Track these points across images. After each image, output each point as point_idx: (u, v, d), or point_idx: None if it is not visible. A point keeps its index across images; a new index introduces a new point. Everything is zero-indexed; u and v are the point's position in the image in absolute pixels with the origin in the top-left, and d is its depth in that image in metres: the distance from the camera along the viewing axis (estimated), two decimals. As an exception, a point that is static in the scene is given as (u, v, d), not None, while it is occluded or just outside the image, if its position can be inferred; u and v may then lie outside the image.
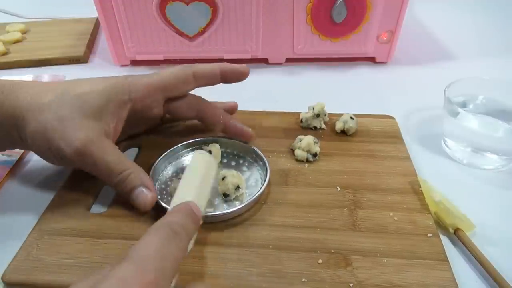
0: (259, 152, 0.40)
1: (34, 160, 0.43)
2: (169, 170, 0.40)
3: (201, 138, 0.42)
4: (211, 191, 0.33)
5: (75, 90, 0.34)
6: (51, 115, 0.33)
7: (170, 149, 0.40)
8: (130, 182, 0.33)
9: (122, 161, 0.34)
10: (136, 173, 0.33)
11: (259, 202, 0.36)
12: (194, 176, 0.32)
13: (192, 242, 0.27)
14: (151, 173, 0.37)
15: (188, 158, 0.41)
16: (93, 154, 0.33)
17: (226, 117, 0.40)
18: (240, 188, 0.36)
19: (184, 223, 0.26)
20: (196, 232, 0.28)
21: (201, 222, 0.29)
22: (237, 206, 0.34)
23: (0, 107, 0.33)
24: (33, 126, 0.33)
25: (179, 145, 0.41)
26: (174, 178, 0.37)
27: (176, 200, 0.30)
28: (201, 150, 0.37)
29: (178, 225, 0.25)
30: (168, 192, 0.37)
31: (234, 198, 0.36)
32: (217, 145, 0.41)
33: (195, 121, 0.42)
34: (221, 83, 0.40)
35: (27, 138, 0.33)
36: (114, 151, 0.34)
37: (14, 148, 0.37)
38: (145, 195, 0.33)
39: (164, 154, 0.40)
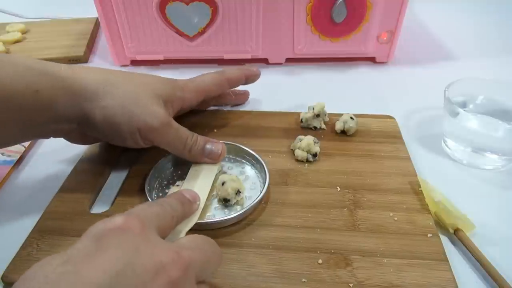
0: (256, 155, 0.40)
1: (34, 160, 0.43)
2: (170, 173, 0.40)
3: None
4: (212, 188, 0.36)
5: (139, 77, 0.38)
6: (127, 93, 0.35)
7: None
8: (199, 144, 0.37)
9: (186, 129, 0.37)
10: (200, 136, 0.38)
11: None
12: (197, 172, 0.36)
13: (193, 220, 0.31)
14: (150, 175, 0.37)
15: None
16: (173, 126, 0.36)
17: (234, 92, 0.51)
18: (240, 192, 0.36)
19: (170, 202, 0.28)
20: (197, 211, 0.31)
21: (197, 205, 0.32)
22: (238, 211, 0.34)
23: (64, 82, 0.33)
24: (109, 100, 0.34)
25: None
26: (171, 186, 0.38)
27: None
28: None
29: (163, 201, 0.28)
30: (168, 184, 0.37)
31: (234, 203, 0.36)
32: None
33: (198, 121, 0.45)
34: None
35: (98, 114, 0.34)
36: (178, 125, 0.37)
37: (60, 136, 0.37)
38: (216, 145, 0.37)
39: (162, 159, 0.40)
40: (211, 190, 0.36)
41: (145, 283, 0.20)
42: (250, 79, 0.48)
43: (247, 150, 0.40)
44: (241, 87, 0.49)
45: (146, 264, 0.21)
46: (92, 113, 0.34)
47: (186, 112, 0.46)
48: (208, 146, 0.37)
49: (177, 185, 0.37)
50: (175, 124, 0.37)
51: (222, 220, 0.33)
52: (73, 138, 0.38)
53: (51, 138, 0.37)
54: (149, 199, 0.36)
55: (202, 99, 0.44)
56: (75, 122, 0.35)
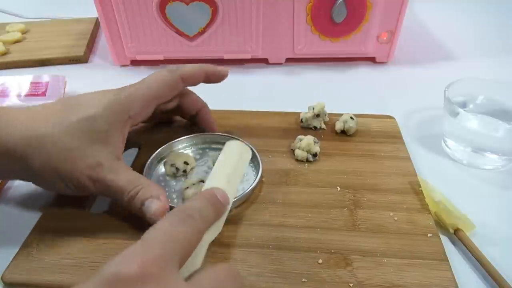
0: (252, 148, 0.40)
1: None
2: (162, 169, 0.40)
3: (197, 134, 0.42)
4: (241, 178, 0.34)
5: (72, 116, 0.32)
6: (56, 147, 0.31)
7: (161, 147, 0.40)
8: (140, 196, 0.32)
9: (135, 179, 0.32)
10: (146, 187, 0.32)
11: (259, 202, 0.36)
12: (227, 163, 0.34)
13: (219, 227, 0.29)
14: (144, 172, 0.38)
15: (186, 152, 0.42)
16: (106, 179, 0.32)
17: (203, 108, 0.43)
18: (187, 164, 0.38)
19: (201, 208, 0.26)
20: (221, 218, 0.29)
21: (228, 209, 0.30)
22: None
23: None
24: (39, 163, 0.31)
25: (172, 142, 0.41)
26: (189, 185, 0.37)
27: (206, 187, 0.31)
28: (235, 140, 0.39)
29: (194, 210, 0.26)
30: (165, 190, 0.37)
31: (183, 172, 0.38)
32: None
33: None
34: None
35: (34, 174, 0.32)
36: (127, 172, 0.33)
37: (20, 179, 0.35)
38: (155, 204, 0.31)
39: (156, 152, 0.40)
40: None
41: None
42: (213, 77, 0.40)
43: (241, 141, 0.40)
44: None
45: None
46: (29, 173, 0.32)
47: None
48: (147, 203, 0.31)
49: (193, 184, 0.36)
50: (116, 175, 0.32)
51: None
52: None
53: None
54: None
55: (155, 106, 0.37)
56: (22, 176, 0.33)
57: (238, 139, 0.40)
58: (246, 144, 0.38)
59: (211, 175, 0.33)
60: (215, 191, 0.29)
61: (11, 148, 0.30)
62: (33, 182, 0.34)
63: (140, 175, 0.34)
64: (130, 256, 0.21)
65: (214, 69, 0.40)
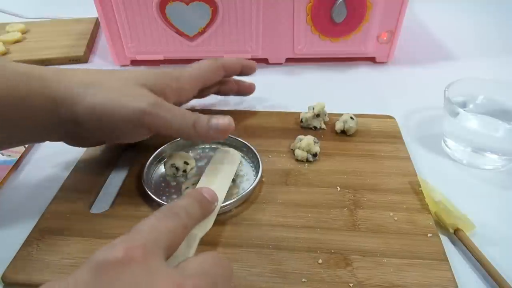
0: (252, 147, 0.40)
1: (34, 160, 0.43)
2: (162, 169, 0.40)
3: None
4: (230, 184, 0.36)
5: (126, 72, 0.37)
6: (112, 89, 0.34)
7: (161, 147, 0.41)
8: (204, 119, 0.35)
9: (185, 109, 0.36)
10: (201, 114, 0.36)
11: (259, 202, 0.36)
12: (216, 168, 0.36)
13: (210, 222, 0.30)
14: (144, 172, 0.38)
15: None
16: (164, 105, 0.35)
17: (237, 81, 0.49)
18: (188, 164, 0.39)
19: (187, 206, 0.27)
20: (213, 214, 0.30)
21: (217, 206, 0.31)
22: (229, 200, 0.34)
23: (44, 90, 0.32)
24: (95, 99, 0.33)
25: (172, 142, 0.41)
26: (189, 186, 0.37)
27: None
28: (225, 147, 0.41)
29: (179, 208, 0.27)
30: (165, 190, 0.37)
31: (183, 172, 0.39)
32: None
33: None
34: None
35: (81, 115, 0.33)
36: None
37: (42, 140, 0.36)
38: (223, 119, 0.35)
39: (156, 152, 0.40)
40: (230, 193, 0.36)
41: None
42: (246, 70, 0.47)
43: (241, 141, 0.41)
44: (230, 97, 0.50)
45: None
46: (81, 115, 0.33)
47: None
48: (213, 120, 0.35)
49: (193, 184, 0.36)
50: (169, 104, 0.35)
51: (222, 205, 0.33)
52: (70, 141, 0.37)
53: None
54: (146, 189, 0.36)
55: (200, 88, 0.42)
56: (65, 126, 0.34)
57: (237, 139, 0.41)
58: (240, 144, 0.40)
59: (201, 179, 0.35)
60: (202, 189, 0.31)
61: (66, 92, 0.33)
62: (67, 138, 0.36)
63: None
64: (117, 244, 0.22)
65: (248, 63, 0.47)
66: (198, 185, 0.33)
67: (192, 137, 0.35)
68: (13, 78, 0.31)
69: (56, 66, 0.62)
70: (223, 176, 0.36)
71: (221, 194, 0.33)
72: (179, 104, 0.41)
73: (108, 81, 0.35)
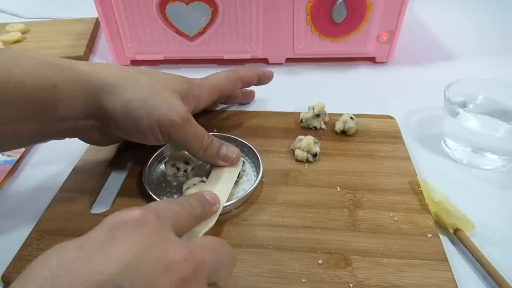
0: (253, 148, 0.40)
1: (35, 160, 0.43)
2: (163, 169, 0.40)
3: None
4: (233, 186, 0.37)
5: (157, 73, 0.38)
6: (147, 87, 0.35)
7: (162, 147, 0.41)
8: (216, 143, 0.37)
9: (204, 130, 0.37)
10: (215, 138, 0.38)
11: (259, 202, 0.36)
12: (219, 172, 0.37)
13: (212, 221, 0.31)
14: (145, 172, 0.38)
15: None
16: (192, 122, 0.36)
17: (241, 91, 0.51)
18: (188, 164, 0.39)
19: (189, 199, 0.29)
20: (215, 214, 0.31)
21: (217, 208, 0.32)
22: (230, 201, 0.34)
23: (77, 79, 0.33)
24: (129, 93, 0.34)
25: (170, 144, 0.41)
26: (190, 186, 0.37)
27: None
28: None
29: (182, 199, 0.28)
30: (166, 190, 0.37)
31: (183, 172, 0.39)
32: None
33: (197, 121, 0.43)
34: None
35: (119, 107, 0.34)
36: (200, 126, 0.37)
37: (74, 136, 0.37)
38: (233, 148, 0.38)
39: (157, 153, 0.40)
40: (231, 194, 0.36)
41: (154, 278, 0.20)
42: (262, 80, 0.48)
43: (242, 142, 0.41)
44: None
45: (157, 260, 0.21)
46: (112, 107, 0.34)
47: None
48: (224, 148, 0.37)
49: (194, 184, 0.37)
50: (194, 121, 0.36)
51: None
52: (90, 137, 0.37)
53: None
54: (147, 189, 0.36)
55: (216, 97, 0.44)
56: (94, 118, 0.35)
57: (238, 139, 0.41)
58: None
59: (205, 185, 0.35)
60: (204, 192, 0.32)
61: (105, 82, 0.34)
62: (108, 129, 0.36)
63: None
64: (130, 209, 0.23)
65: (264, 72, 0.48)
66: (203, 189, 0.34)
67: (200, 159, 0.37)
68: (45, 69, 0.32)
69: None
70: (226, 179, 0.36)
71: (223, 197, 0.33)
72: (195, 109, 0.42)
73: (144, 79, 0.35)
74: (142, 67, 0.61)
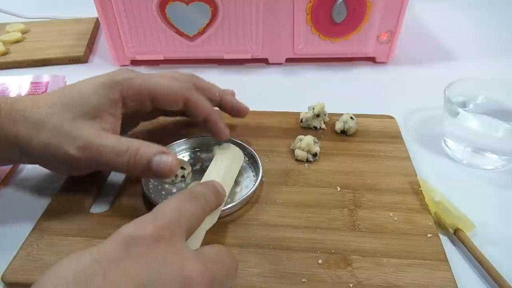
0: (252, 150, 0.40)
1: (34, 160, 0.43)
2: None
3: (190, 137, 0.42)
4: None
5: (66, 97, 0.34)
6: (50, 129, 0.32)
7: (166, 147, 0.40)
8: (142, 155, 0.31)
9: (122, 141, 0.32)
10: (144, 145, 0.32)
11: (259, 202, 0.36)
12: (221, 164, 0.36)
13: (215, 217, 0.30)
14: (143, 181, 0.37)
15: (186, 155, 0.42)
16: (94, 144, 0.32)
17: (221, 93, 0.41)
18: (184, 169, 0.38)
19: (205, 193, 0.29)
20: (219, 208, 0.31)
21: (224, 199, 0.32)
22: (231, 203, 0.34)
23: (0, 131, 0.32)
24: (36, 144, 0.32)
25: (176, 142, 0.41)
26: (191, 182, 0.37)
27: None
28: (228, 143, 0.40)
29: (199, 193, 0.28)
30: (164, 188, 0.37)
31: (181, 177, 0.38)
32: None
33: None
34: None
35: (33, 155, 0.33)
36: (113, 137, 0.33)
37: (17, 163, 0.37)
38: (165, 160, 0.31)
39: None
40: (232, 195, 0.36)
41: None
42: (233, 112, 0.41)
43: (241, 144, 0.41)
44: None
45: (174, 277, 0.21)
46: (29, 154, 0.33)
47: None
48: (156, 158, 0.31)
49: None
50: (104, 139, 0.32)
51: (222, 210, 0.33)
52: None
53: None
54: (146, 193, 0.36)
55: (147, 105, 0.36)
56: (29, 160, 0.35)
57: (233, 140, 0.41)
58: (240, 146, 0.40)
59: (206, 174, 0.34)
60: (214, 182, 0.32)
61: (18, 137, 0.32)
62: (38, 164, 0.35)
63: (133, 138, 0.33)
64: (144, 222, 0.23)
65: (232, 104, 0.41)
66: (204, 178, 0.34)
67: (127, 174, 0.35)
68: None
69: (56, 66, 0.62)
70: (228, 172, 0.36)
71: (226, 189, 0.33)
72: (139, 114, 0.38)
73: (51, 116, 0.32)
74: (142, 68, 0.61)
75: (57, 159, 0.33)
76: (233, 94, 0.43)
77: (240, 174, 0.39)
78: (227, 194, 0.33)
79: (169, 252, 0.22)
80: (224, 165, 0.36)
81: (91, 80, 0.35)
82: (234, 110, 0.41)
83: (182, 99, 0.36)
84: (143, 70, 0.60)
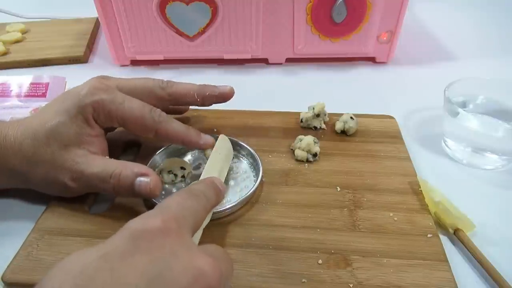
0: (252, 150, 0.40)
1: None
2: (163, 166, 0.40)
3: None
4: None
5: (45, 127, 0.33)
6: (43, 163, 0.33)
7: (164, 147, 0.40)
8: (125, 179, 0.32)
9: (108, 165, 0.33)
10: (125, 168, 0.32)
11: (259, 202, 0.36)
12: (218, 158, 0.36)
13: (209, 216, 0.30)
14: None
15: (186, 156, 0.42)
16: (83, 173, 0.33)
17: (201, 92, 0.40)
18: (184, 169, 0.38)
19: (205, 190, 0.29)
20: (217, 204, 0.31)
21: (224, 196, 0.32)
22: (231, 203, 0.34)
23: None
24: (34, 176, 0.34)
25: (164, 148, 0.41)
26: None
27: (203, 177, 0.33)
28: (223, 136, 0.39)
29: (199, 191, 0.28)
30: (164, 188, 0.37)
31: (181, 177, 0.38)
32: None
33: (197, 120, 0.44)
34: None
35: (33, 184, 0.35)
36: (100, 161, 0.33)
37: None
38: (145, 183, 0.32)
39: (158, 152, 0.40)
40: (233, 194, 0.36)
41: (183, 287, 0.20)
42: (209, 97, 0.40)
43: (241, 144, 0.41)
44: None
45: (185, 268, 0.21)
46: (29, 186, 0.35)
47: (185, 112, 0.46)
48: (136, 181, 0.32)
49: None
50: (92, 167, 0.33)
51: (222, 210, 0.33)
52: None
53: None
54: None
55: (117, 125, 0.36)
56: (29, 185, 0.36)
57: (232, 139, 0.41)
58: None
59: (205, 170, 0.34)
60: (214, 178, 0.32)
61: (15, 167, 0.34)
62: (38, 190, 0.36)
63: (112, 160, 0.34)
64: (152, 216, 0.23)
65: (220, 89, 0.40)
66: (203, 174, 0.33)
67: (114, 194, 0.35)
68: None
69: (56, 66, 0.62)
70: (221, 169, 0.36)
71: (223, 176, 0.35)
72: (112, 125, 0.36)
73: (38, 150, 0.33)
74: (142, 68, 0.61)
75: (56, 188, 0.34)
76: (231, 90, 0.42)
77: (240, 174, 0.39)
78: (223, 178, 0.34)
79: (178, 245, 0.22)
80: (221, 158, 0.36)
81: (63, 103, 0.34)
82: (219, 98, 0.41)
83: (152, 131, 0.36)
84: (143, 70, 0.61)
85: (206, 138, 0.37)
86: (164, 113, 0.36)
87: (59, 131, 0.33)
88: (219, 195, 0.30)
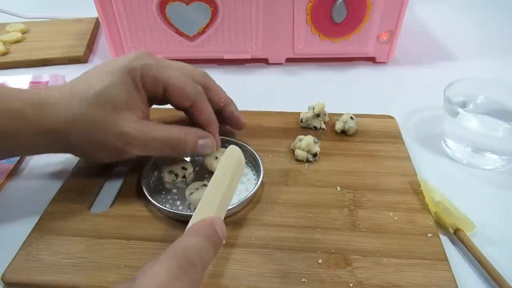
0: (253, 151, 0.40)
1: (35, 160, 0.43)
2: (159, 177, 0.39)
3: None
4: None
5: (95, 88, 0.33)
6: (89, 123, 0.33)
7: (153, 159, 0.40)
8: (191, 143, 0.35)
9: (171, 131, 0.35)
10: (189, 133, 0.35)
11: (259, 202, 0.36)
12: (222, 180, 0.30)
13: None
14: (142, 182, 0.37)
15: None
16: (146, 140, 0.34)
17: (227, 101, 0.41)
18: (186, 169, 0.38)
19: (202, 249, 0.24)
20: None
21: (224, 242, 0.27)
22: (232, 205, 0.34)
23: (32, 127, 0.32)
24: (77, 138, 0.33)
25: None
26: (193, 191, 0.36)
27: (199, 213, 0.27)
28: (233, 146, 0.33)
29: (195, 253, 0.23)
30: (165, 188, 0.37)
31: (182, 177, 0.38)
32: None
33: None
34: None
35: (75, 148, 0.35)
36: (159, 126, 0.35)
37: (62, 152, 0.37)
38: (208, 144, 0.36)
39: (151, 163, 0.39)
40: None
41: None
42: (231, 122, 0.42)
43: (242, 144, 0.40)
44: None
45: None
46: (69, 147, 0.35)
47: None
48: (200, 142, 0.35)
49: (197, 189, 0.35)
50: (154, 131, 0.34)
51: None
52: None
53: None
54: (146, 193, 0.36)
55: (161, 95, 0.36)
56: (62, 149, 0.35)
57: (233, 140, 0.40)
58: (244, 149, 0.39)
59: (209, 187, 0.30)
60: (215, 222, 0.26)
61: (57, 128, 0.33)
62: (75, 155, 0.37)
63: (175, 125, 0.36)
64: None
65: (238, 117, 0.41)
66: (205, 195, 0.29)
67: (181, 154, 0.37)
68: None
69: (56, 66, 0.62)
70: (230, 185, 0.30)
71: (227, 205, 0.30)
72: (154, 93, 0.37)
73: (86, 111, 0.33)
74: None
75: (101, 151, 0.34)
76: (244, 125, 0.42)
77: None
78: (224, 213, 0.30)
79: None
80: (226, 178, 0.30)
81: (110, 66, 0.35)
82: (233, 121, 0.41)
83: (189, 101, 0.36)
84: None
85: (207, 142, 0.36)
86: (203, 91, 0.38)
87: (109, 93, 0.33)
88: (218, 247, 0.26)
